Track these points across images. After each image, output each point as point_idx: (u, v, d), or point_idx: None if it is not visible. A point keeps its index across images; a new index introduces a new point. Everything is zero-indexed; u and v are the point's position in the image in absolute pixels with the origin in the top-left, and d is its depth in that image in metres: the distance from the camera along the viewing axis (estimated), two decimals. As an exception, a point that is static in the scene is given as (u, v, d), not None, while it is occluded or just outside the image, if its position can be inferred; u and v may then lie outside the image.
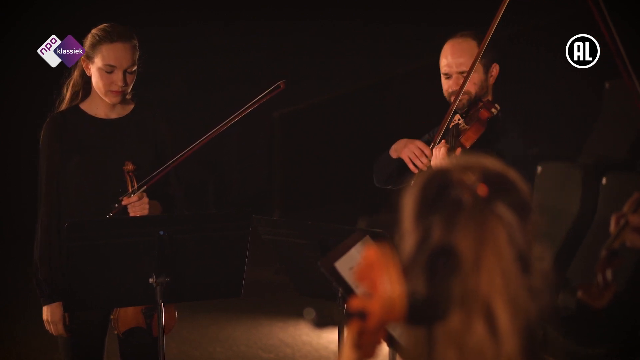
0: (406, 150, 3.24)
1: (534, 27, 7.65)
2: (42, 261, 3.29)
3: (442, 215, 1.41)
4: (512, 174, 1.46)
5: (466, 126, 3.16)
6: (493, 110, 3.14)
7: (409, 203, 1.45)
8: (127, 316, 3.30)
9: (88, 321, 3.33)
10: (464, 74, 3.16)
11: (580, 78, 6.16)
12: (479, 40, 3.19)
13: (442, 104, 3.35)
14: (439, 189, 1.43)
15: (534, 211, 1.45)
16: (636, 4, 6.08)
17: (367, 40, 9.52)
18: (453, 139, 3.15)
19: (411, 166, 3.22)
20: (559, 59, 3.86)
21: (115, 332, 3.34)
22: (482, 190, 1.41)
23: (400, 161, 3.29)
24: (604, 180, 5.33)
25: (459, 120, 3.21)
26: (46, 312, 3.30)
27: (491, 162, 1.46)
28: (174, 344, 5.51)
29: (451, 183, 1.42)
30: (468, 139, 3.09)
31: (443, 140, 3.15)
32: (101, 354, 3.39)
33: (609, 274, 1.97)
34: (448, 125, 3.21)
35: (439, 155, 3.08)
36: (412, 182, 1.47)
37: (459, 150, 3.07)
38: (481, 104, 3.19)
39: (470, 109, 3.20)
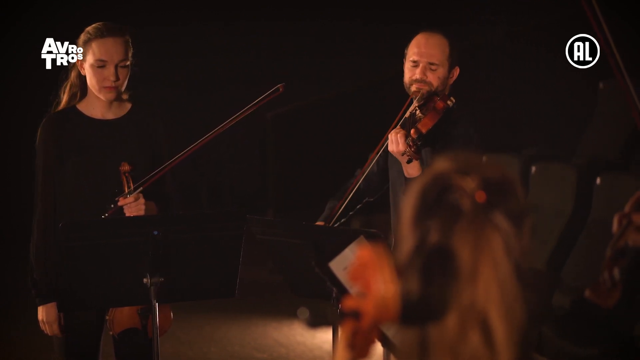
0: None
1: (534, 27, 7.65)
2: (38, 261, 3.29)
3: (440, 219, 1.41)
4: (511, 182, 1.45)
5: (422, 115, 3.31)
6: (449, 102, 3.30)
7: (408, 205, 1.45)
8: (122, 317, 3.29)
9: (83, 322, 3.32)
10: (433, 65, 3.36)
11: (580, 78, 6.16)
12: (449, 39, 3.41)
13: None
14: (438, 193, 1.42)
15: (529, 219, 1.45)
16: (636, 3, 6.08)
17: (367, 40, 9.52)
18: (409, 126, 3.27)
19: None
20: (559, 59, 3.86)
21: (111, 333, 3.34)
22: (480, 197, 1.41)
23: None
24: (598, 181, 5.34)
25: (415, 109, 3.35)
26: (41, 312, 3.29)
27: (491, 169, 1.45)
28: (168, 344, 5.50)
29: (451, 187, 1.42)
30: (424, 125, 3.24)
31: (398, 126, 3.29)
32: (96, 354, 3.38)
33: (616, 273, 1.97)
34: (405, 113, 3.35)
35: (396, 141, 3.21)
36: (412, 185, 1.48)
37: (412, 131, 3.21)
38: (437, 97, 3.35)
39: (427, 100, 3.35)
